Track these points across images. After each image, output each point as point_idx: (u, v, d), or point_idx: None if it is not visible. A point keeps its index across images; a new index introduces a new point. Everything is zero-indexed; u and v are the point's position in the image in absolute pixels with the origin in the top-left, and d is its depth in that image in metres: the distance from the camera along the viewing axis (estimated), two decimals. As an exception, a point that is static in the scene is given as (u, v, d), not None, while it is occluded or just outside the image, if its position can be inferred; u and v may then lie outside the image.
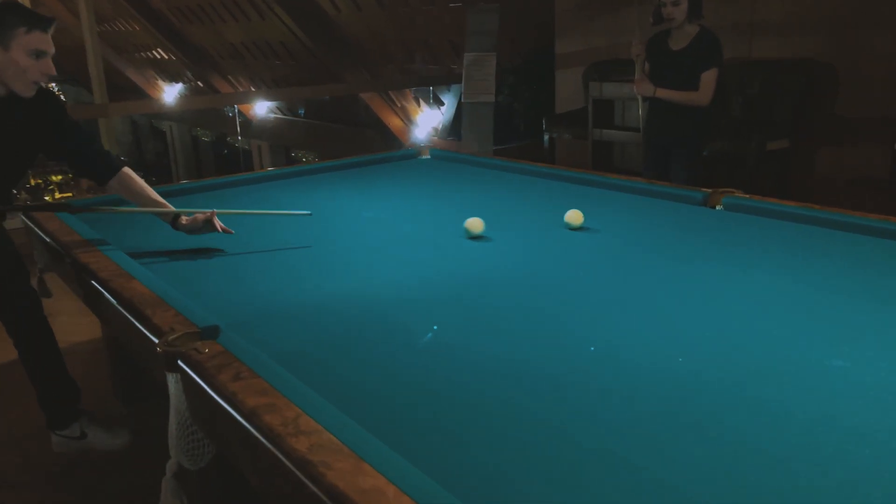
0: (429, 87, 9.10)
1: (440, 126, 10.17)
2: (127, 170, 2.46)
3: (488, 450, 1.22)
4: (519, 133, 6.43)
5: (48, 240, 2.47)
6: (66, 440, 2.63)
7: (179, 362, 1.52)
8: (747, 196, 2.55)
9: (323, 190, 3.21)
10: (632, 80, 4.64)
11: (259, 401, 1.30)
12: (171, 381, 1.57)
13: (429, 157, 3.84)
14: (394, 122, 10.59)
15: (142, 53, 15.37)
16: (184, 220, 2.47)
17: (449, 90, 9.06)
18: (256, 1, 9.95)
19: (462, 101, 6.36)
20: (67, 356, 2.66)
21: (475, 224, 2.39)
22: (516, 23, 6.28)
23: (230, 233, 2.48)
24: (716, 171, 4.23)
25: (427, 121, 10.63)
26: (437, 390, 1.44)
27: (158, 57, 14.81)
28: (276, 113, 13.00)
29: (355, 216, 2.80)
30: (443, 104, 9.81)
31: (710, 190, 2.64)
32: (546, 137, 5.39)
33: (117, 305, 1.84)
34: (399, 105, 10.40)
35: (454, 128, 9.68)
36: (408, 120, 10.65)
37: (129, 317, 1.77)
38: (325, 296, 1.98)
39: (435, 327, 1.72)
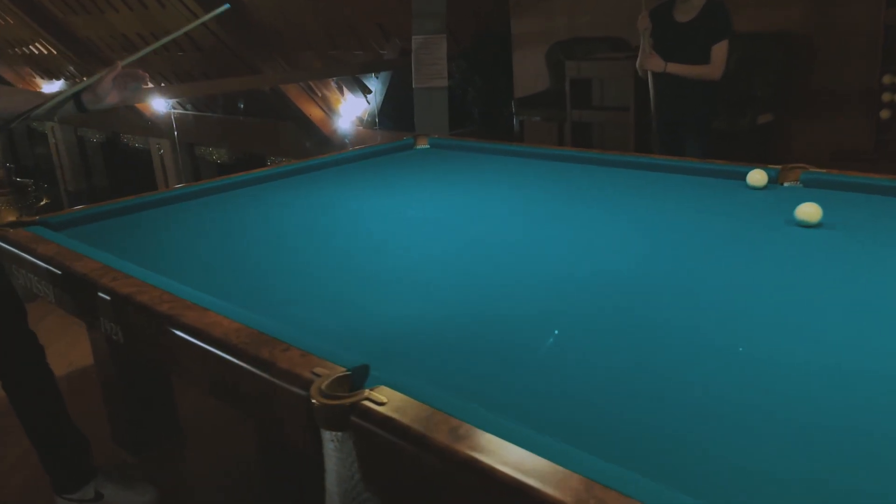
0: (356, 75, 8.72)
1: (366, 115, 9.79)
2: None
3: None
4: (473, 118, 6.21)
5: (51, 269, 2.03)
6: None
7: (354, 419, 1.20)
8: (823, 170, 2.43)
9: (333, 189, 2.87)
10: (612, 59, 4.55)
11: (515, 467, 1.02)
12: (330, 440, 1.25)
13: (427, 146, 3.54)
14: (314, 112, 10.11)
15: (16, 49, 14.04)
16: (87, 95, 2.04)
17: (377, 77, 8.71)
18: (156, -13, 9.21)
19: (414, 86, 6.06)
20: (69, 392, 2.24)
21: (812, 212, 1.99)
22: (459, 4, 6.02)
23: (145, 76, 2.10)
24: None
25: (351, 110, 10.21)
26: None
27: (37, 52, 13.56)
28: (178, 108, 12.18)
29: (398, 217, 2.49)
30: (369, 91, 9.43)
31: (779, 166, 2.51)
32: (515, 121, 5.20)
33: (215, 350, 1.48)
34: (320, 94, 9.93)
35: (382, 116, 9.33)
36: (329, 110, 10.20)
37: (241, 363, 1.42)
38: (462, 313, 1.69)
39: (556, 332, 1.48)
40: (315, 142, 10.42)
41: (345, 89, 9.84)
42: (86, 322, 2.09)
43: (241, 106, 10.49)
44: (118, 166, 14.89)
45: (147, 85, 2.07)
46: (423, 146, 3.55)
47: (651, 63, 3.43)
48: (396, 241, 2.23)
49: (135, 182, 12.90)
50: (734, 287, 1.73)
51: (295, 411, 1.33)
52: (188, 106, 11.93)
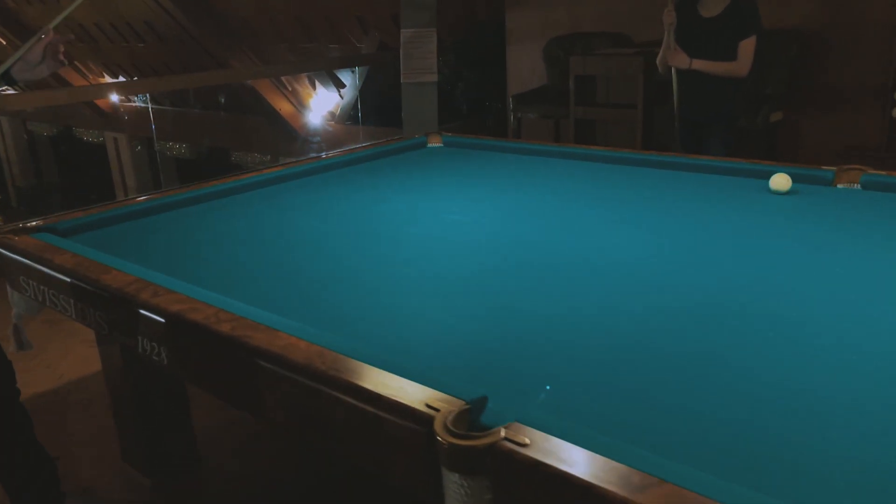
0: (332, 70, 8.46)
1: (338, 110, 9.54)
2: None
3: None
4: (461, 114, 6.03)
5: (75, 282, 1.81)
6: None
7: (491, 462, 1.04)
8: (883, 172, 2.34)
9: (355, 189, 2.69)
10: (619, 55, 4.43)
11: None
12: (458, 485, 1.09)
13: (441, 144, 3.37)
14: (284, 106, 9.81)
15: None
16: (17, 65, 1.89)
17: (353, 71, 8.47)
18: (118, -25, 8.80)
19: (402, 81, 5.86)
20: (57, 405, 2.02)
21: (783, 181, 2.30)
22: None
23: (71, 39, 1.98)
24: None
25: (322, 104, 9.95)
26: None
27: (-15, 42, 12.90)
28: (135, 100, 11.70)
29: (435, 220, 2.32)
30: (343, 86, 9.18)
31: (834, 168, 2.41)
32: (512, 117, 5.05)
33: (299, 378, 1.30)
34: (290, 88, 9.65)
35: (355, 112, 9.09)
36: (300, 104, 9.92)
37: (335, 393, 1.24)
38: (545, 326, 1.54)
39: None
40: (285, 137, 10.13)
41: (317, 83, 9.57)
42: (118, 341, 1.87)
43: (223, 101, 10.11)
44: (70, 161, 14.28)
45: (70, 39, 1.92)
46: (435, 144, 3.38)
47: (676, 59, 3.30)
48: (444, 247, 2.07)
49: (89, 178, 12.40)
50: (847, 298, 1.62)
51: (408, 450, 1.16)
52: (146, 99, 11.47)
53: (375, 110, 7.56)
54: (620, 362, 1.39)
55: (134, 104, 11.64)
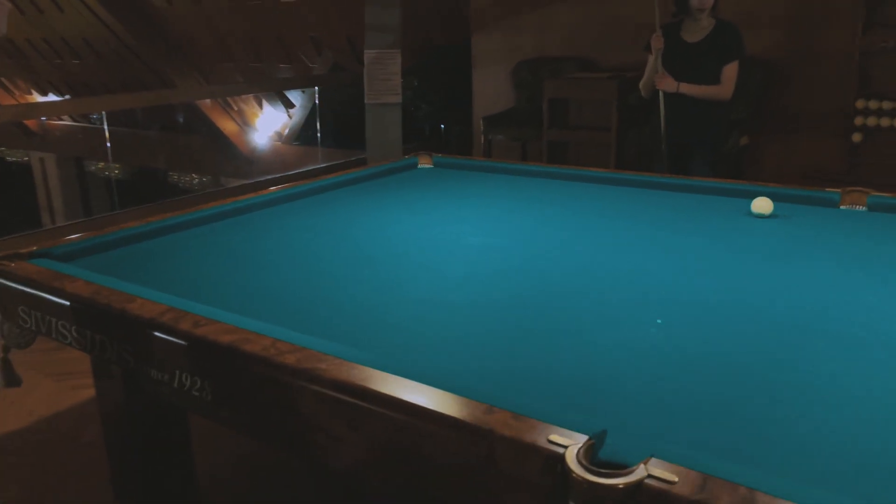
0: (284, 90, 8.31)
1: (286, 130, 9.38)
2: None
3: None
4: (424, 136, 6.00)
5: (95, 313, 1.67)
6: None
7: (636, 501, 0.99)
8: (889, 195, 2.41)
9: (360, 212, 2.60)
10: (593, 78, 4.49)
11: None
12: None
13: (431, 165, 3.32)
14: (227, 126, 9.59)
15: None
16: None
17: (303, 91, 8.35)
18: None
19: (365, 102, 5.78)
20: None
21: (764, 204, 2.34)
22: (407, 17, 5.83)
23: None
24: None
25: (268, 124, 9.77)
26: None
27: None
28: (64, 119, 11.22)
29: (458, 243, 2.26)
30: (292, 105, 9.04)
31: (839, 189, 2.48)
32: (484, 139, 5.04)
33: (389, 413, 1.21)
34: (236, 108, 9.44)
35: (306, 132, 8.94)
36: (245, 124, 9.72)
37: (435, 428, 1.16)
38: (616, 347, 1.49)
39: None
40: (228, 157, 9.88)
41: (264, 102, 9.40)
42: (144, 375, 1.70)
43: (181, 120, 9.76)
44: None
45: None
46: (426, 165, 3.33)
47: (664, 83, 3.37)
48: (488, 272, 2.00)
49: (12, 201, 11.76)
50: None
51: (528, 490, 1.10)
52: (78, 116, 11.00)
53: (331, 131, 7.44)
54: (726, 390, 1.36)
55: (64, 122, 11.17)
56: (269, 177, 6.15)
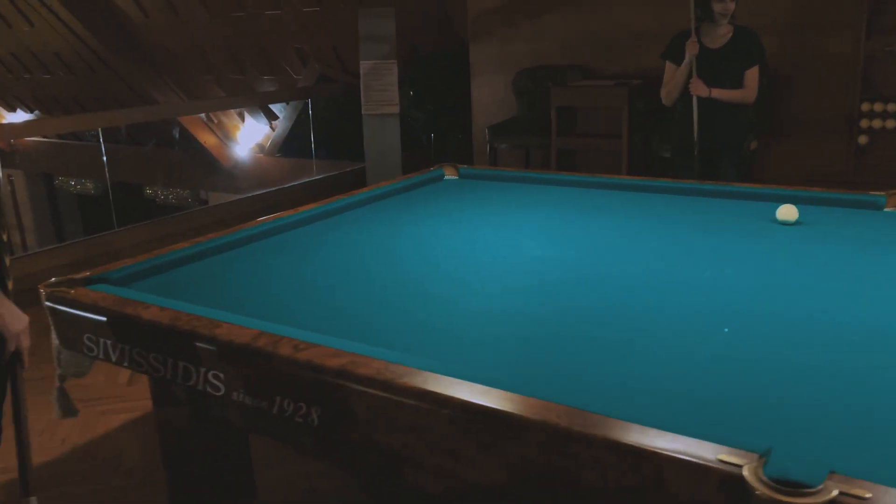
0: (268, 104, 8.20)
1: (269, 142, 9.26)
2: None
3: None
4: (421, 145, 5.96)
5: (186, 339, 1.60)
6: None
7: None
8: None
9: (396, 224, 2.57)
10: (602, 86, 4.50)
11: None
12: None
13: (457, 177, 3.29)
14: (208, 138, 9.42)
15: None
16: None
17: (287, 103, 8.25)
18: (24, 4, 8.21)
19: (363, 113, 5.74)
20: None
21: (791, 212, 2.34)
22: (401, 27, 5.80)
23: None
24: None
25: (249, 136, 9.63)
26: None
27: None
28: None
29: (519, 254, 2.23)
30: (275, 117, 8.93)
31: (883, 193, 2.51)
32: (488, 147, 5.02)
33: (546, 440, 1.17)
34: (216, 121, 9.29)
35: (287, 145, 8.83)
36: (225, 137, 9.56)
37: (598, 454, 1.13)
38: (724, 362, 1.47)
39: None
40: (207, 171, 9.71)
41: (245, 114, 9.27)
42: (236, 402, 1.61)
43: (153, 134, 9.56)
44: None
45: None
46: (452, 176, 3.30)
47: (697, 88, 3.39)
48: (553, 283, 1.98)
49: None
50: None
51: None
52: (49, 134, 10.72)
53: (321, 142, 7.35)
54: (853, 400, 1.35)
55: (33, 139, 10.86)
56: (265, 190, 6.06)
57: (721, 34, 3.41)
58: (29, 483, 1.76)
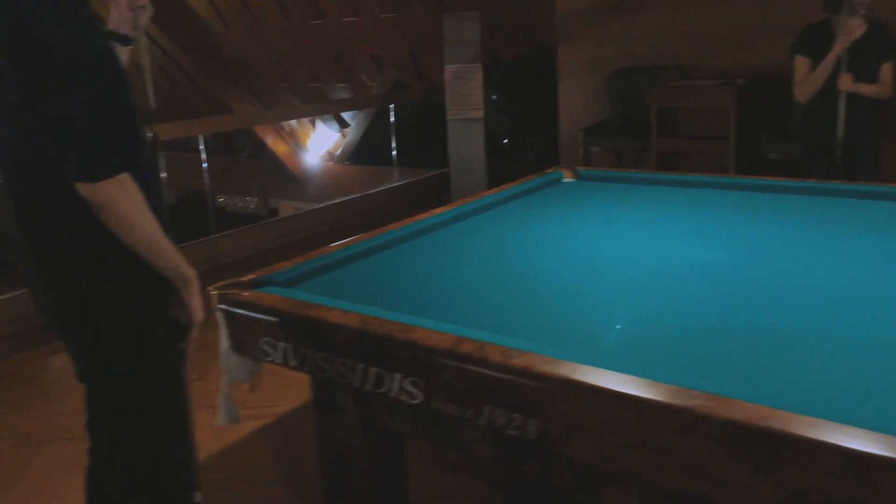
0: (346, 111, 8.23)
1: (339, 150, 9.30)
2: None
3: None
4: (504, 151, 5.90)
5: (367, 343, 1.55)
6: None
7: None
8: None
9: (536, 228, 2.51)
10: (706, 86, 4.37)
11: None
12: None
13: (575, 179, 3.21)
14: (279, 147, 9.53)
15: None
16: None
17: (360, 110, 8.27)
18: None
19: (447, 118, 5.70)
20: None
21: None
22: (488, 31, 5.76)
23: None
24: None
25: (320, 143, 9.69)
26: None
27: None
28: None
29: (691, 260, 2.13)
30: (347, 125, 8.97)
31: None
32: (581, 151, 4.93)
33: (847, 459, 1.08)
34: (287, 128, 9.38)
35: (358, 152, 8.86)
36: (296, 145, 9.65)
37: None
38: None
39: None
40: (279, 179, 9.81)
41: (317, 121, 9.34)
42: (433, 410, 1.54)
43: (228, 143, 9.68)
44: None
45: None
46: (570, 179, 3.22)
47: (845, 83, 3.26)
48: (731, 288, 1.88)
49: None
50: None
51: None
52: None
53: (400, 149, 7.33)
54: None
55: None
56: (349, 196, 6.05)
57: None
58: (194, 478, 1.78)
